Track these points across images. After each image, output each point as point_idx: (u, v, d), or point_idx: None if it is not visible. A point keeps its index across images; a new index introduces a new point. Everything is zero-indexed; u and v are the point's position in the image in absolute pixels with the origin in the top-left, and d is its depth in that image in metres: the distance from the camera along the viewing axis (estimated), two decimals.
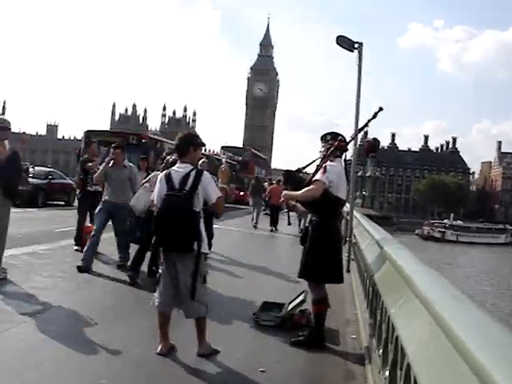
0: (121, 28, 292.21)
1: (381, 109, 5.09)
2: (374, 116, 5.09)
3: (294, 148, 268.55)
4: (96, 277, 7.67)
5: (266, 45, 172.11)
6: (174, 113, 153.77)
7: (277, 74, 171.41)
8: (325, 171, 4.92)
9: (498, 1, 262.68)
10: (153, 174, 9.83)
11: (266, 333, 5.60)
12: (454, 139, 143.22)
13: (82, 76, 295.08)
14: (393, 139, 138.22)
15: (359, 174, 17.83)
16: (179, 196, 4.47)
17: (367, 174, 17.47)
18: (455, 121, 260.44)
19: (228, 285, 8.08)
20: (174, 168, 4.72)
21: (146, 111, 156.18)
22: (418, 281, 2.80)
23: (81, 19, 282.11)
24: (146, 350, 4.68)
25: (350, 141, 5.25)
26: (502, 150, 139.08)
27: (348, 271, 10.16)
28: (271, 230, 18.31)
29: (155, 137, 22.96)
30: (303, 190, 4.96)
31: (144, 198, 7.18)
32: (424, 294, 2.53)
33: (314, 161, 5.32)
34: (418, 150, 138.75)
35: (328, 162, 5.01)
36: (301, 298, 6.04)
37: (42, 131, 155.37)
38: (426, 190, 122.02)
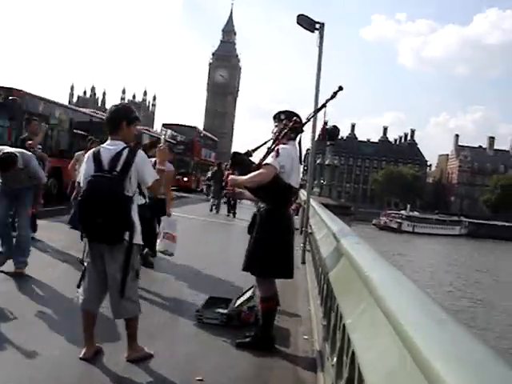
0: (81, 8, 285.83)
1: (340, 88, 4.58)
2: (333, 96, 4.59)
3: (255, 135, 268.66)
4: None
5: (229, 31, 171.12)
6: (134, 96, 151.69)
7: (239, 61, 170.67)
8: (277, 155, 4.39)
9: None
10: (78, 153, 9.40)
11: (210, 332, 5.05)
12: (413, 131, 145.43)
13: (39, 56, 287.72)
14: (352, 129, 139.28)
15: (318, 161, 17.40)
16: (108, 177, 3.86)
17: (326, 162, 17.02)
18: (414, 113, 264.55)
19: (173, 278, 7.51)
20: (103, 145, 4.10)
21: (104, 94, 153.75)
22: (379, 284, 2.30)
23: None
24: (66, 353, 4.08)
25: (307, 121, 4.70)
26: (459, 144, 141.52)
27: (303, 263, 9.73)
28: (228, 215, 18.19)
29: (38, 95, 16.57)
30: (251, 174, 4.42)
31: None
32: (387, 303, 2.02)
33: (265, 142, 4.77)
34: (377, 141, 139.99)
35: (280, 145, 4.48)
36: (249, 293, 5.52)
37: None
38: (383, 180, 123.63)
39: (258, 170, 4.43)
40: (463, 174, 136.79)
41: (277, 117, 4.74)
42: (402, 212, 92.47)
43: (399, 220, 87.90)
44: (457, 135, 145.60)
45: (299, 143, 4.74)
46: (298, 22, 10.03)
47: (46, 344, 4.22)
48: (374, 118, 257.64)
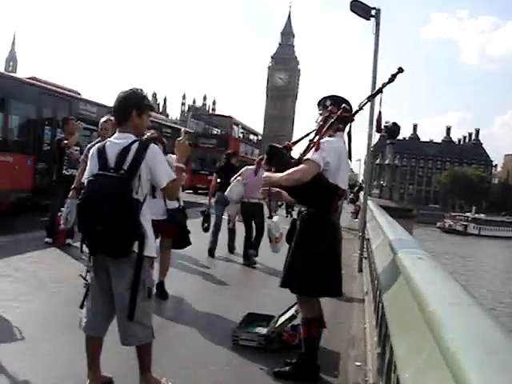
0: (143, 16, 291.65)
1: (400, 70, 3.77)
2: (392, 79, 3.77)
3: None
4: (59, 278, 6.44)
5: (287, 33, 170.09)
6: (194, 101, 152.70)
7: (298, 63, 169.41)
8: (321, 149, 3.64)
9: None
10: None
11: (246, 357, 4.33)
12: (477, 131, 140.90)
13: (100, 64, 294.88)
14: (414, 130, 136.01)
15: (377, 161, 16.41)
16: (113, 177, 3.21)
17: (386, 162, 16.03)
18: (478, 112, 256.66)
19: (205, 292, 6.81)
20: (110, 139, 3.44)
21: (165, 100, 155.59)
22: (449, 331, 1.52)
23: (102, 6, 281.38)
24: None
25: (359, 110, 3.87)
26: None
27: (360, 271, 8.90)
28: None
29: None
30: (288, 170, 3.68)
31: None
32: (461, 363, 1.26)
33: (307, 134, 4.03)
34: (440, 141, 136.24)
35: (326, 138, 3.72)
36: (292, 310, 4.77)
37: None
38: (447, 182, 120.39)
39: (297, 166, 3.70)
40: None
41: (321, 103, 3.98)
42: (468, 214, 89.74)
43: (465, 222, 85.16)
44: None
45: (349, 135, 3.96)
46: (351, 9, 9.21)
47: (44, 372, 3.61)
48: (436, 118, 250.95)
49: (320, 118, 3.96)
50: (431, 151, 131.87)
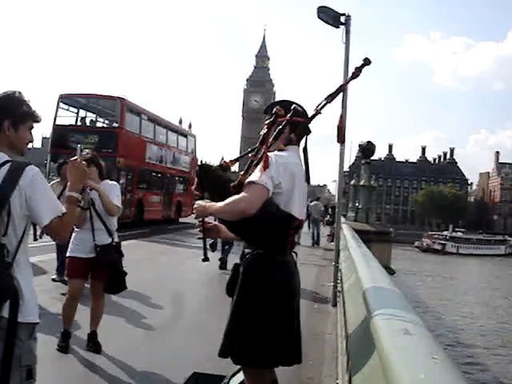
0: (118, 39, 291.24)
1: (366, 61, 2.90)
2: (357, 73, 2.91)
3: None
4: None
5: (262, 56, 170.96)
6: None
7: (273, 86, 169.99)
8: (266, 166, 2.70)
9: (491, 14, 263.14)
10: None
11: None
12: (452, 150, 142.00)
13: (75, 87, 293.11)
14: (390, 150, 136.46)
15: (352, 182, 15.54)
16: None
17: (361, 183, 15.20)
18: (453, 132, 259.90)
19: (140, 342, 5.79)
20: None
21: None
22: None
23: (78, 24, 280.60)
24: None
25: (316, 114, 2.93)
26: (500, 161, 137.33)
27: (334, 305, 7.94)
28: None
29: None
30: (229, 199, 2.74)
31: None
32: None
33: (252, 149, 3.11)
34: (415, 161, 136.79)
35: (274, 152, 2.80)
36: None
37: (37, 144, 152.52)
38: (423, 201, 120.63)
39: (238, 191, 2.75)
40: (505, 191, 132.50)
41: (269, 110, 3.05)
42: (445, 233, 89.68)
43: (443, 241, 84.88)
44: (497, 152, 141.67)
45: (304, 151, 3.03)
46: (319, 17, 8.38)
47: None
48: (411, 138, 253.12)
49: (265, 128, 3.04)
50: (407, 171, 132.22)
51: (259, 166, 2.74)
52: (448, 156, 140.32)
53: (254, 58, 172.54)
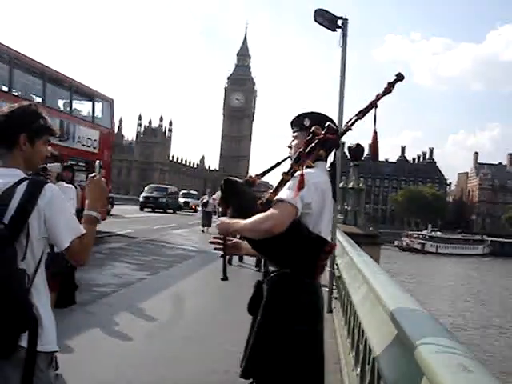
0: (98, 34, 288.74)
1: (400, 77, 2.78)
2: (389, 89, 2.77)
3: (274, 158, 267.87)
4: None
5: (244, 55, 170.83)
6: (150, 122, 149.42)
7: (254, 84, 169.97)
8: (302, 186, 2.59)
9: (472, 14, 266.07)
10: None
11: None
12: (431, 150, 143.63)
13: None
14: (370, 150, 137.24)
15: (341, 185, 15.52)
16: None
17: (350, 186, 15.19)
18: (432, 132, 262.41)
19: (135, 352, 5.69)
20: None
21: (121, 121, 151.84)
22: None
23: (56, 22, 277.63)
24: None
25: (346, 130, 2.81)
26: (479, 161, 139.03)
27: (329, 311, 7.85)
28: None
29: None
30: (255, 217, 2.63)
31: None
32: None
33: (278, 163, 2.99)
34: (395, 160, 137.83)
35: (304, 170, 2.66)
36: None
37: None
38: (403, 200, 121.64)
39: (265, 209, 2.62)
40: (484, 191, 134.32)
41: (297, 122, 2.93)
42: (424, 232, 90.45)
43: (422, 241, 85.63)
44: (476, 153, 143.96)
45: (333, 166, 2.93)
46: (315, 20, 8.28)
47: None
48: (391, 138, 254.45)
49: (295, 141, 2.92)
50: (387, 170, 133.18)
51: (288, 184, 2.63)
52: (427, 156, 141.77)
53: (235, 56, 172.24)
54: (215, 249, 3.00)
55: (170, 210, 41.71)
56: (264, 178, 3.05)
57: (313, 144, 2.66)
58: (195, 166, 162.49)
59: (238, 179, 2.96)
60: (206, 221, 23.79)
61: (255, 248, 2.83)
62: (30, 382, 2.16)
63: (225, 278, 3.05)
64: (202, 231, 23.12)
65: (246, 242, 2.94)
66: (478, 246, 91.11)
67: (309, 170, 2.67)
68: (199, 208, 29.83)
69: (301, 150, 2.69)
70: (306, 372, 2.71)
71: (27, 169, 2.35)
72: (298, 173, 2.61)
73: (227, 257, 3.10)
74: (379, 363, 2.74)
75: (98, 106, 19.41)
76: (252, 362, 2.73)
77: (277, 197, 2.61)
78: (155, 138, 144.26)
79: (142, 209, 39.83)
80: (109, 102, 20.00)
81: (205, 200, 24.80)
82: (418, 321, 2.62)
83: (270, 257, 2.83)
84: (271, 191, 2.66)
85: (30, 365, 2.16)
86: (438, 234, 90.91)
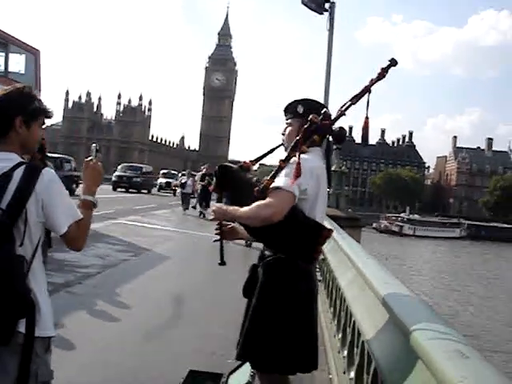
0: (75, 11, 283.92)
1: (393, 62, 2.78)
2: (383, 74, 2.78)
3: (255, 140, 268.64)
4: None
5: (225, 34, 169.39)
6: (130, 101, 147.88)
7: (235, 64, 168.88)
8: (299, 174, 2.59)
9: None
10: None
11: None
12: (411, 133, 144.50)
13: None
14: (350, 132, 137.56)
15: None
16: None
17: (332, 169, 15.25)
18: (412, 115, 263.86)
19: (136, 334, 5.69)
20: None
21: (100, 99, 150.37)
22: None
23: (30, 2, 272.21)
24: None
25: (340, 115, 2.83)
26: (457, 145, 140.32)
27: None
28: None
29: None
30: (252, 205, 2.64)
31: None
32: None
33: (272, 149, 3.03)
34: (374, 143, 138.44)
35: (301, 155, 2.67)
36: (247, 376, 3.71)
37: None
38: (381, 183, 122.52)
39: (262, 196, 2.64)
40: (462, 175, 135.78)
41: (291, 109, 2.96)
42: (402, 215, 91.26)
43: (400, 223, 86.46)
44: (455, 137, 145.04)
45: (327, 152, 2.97)
46: (303, 3, 8.24)
47: None
48: (371, 120, 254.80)
49: (289, 128, 2.93)
50: (366, 153, 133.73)
51: (285, 171, 2.64)
52: (407, 139, 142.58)
53: (216, 35, 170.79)
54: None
55: (145, 191, 39.77)
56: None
57: (308, 129, 2.69)
58: (175, 146, 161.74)
59: (232, 165, 2.98)
60: (185, 203, 23.26)
61: (252, 234, 2.87)
62: (27, 367, 2.17)
63: (222, 263, 3.08)
64: (183, 214, 22.67)
65: (241, 227, 2.97)
66: (455, 229, 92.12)
67: (304, 155, 2.69)
68: (178, 189, 29.21)
69: (298, 137, 2.71)
70: (300, 355, 2.76)
71: (23, 152, 2.33)
72: (294, 159, 2.64)
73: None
74: (371, 346, 2.79)
75: (17, 58, 15.18)
76: (247, 344, 2.78)
77: (274, 184, 2.63)
78: (135, 117, 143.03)
79: (114, 189, 37.24)
80: (33, 55, 15.36)
81: (183, 181, 24.06)
82: (411, 306, 2.67)
83: (266, 242, 2.86)
84: (267, 178, 2.68)
85: (27, 350, 2.17)
86: (416, 216, 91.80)
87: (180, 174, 31.48)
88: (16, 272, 2.10)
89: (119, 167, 42.36)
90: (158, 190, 43.66)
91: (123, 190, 37.88)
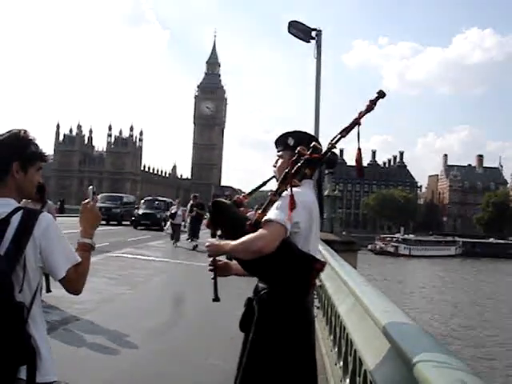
0: (65, 46, 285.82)
1: (381, 94, 2.82)
2: (371, 106, 2.81)
3: (246, 166, 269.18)
4: None
5: (213, 63, 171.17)
6: (121, 132, 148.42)
7: (224, 92, 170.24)
8: (293, 206, 2.59)
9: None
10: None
11: None
12: (401, 153, 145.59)
13: (23, 94, 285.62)
14: (341, 155, 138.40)
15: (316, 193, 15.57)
16: None
17: (325, 194, 15.30)
18: (401, 136, 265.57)
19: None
20: None
21: (91, 131, 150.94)
22: None
23: (22, 35, 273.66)
24: None
25: (331, 148, 2.86)
26: (448, 163, 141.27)
27: None
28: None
29: None
30: (245, 238, 2.65)
31: None
32: None
33: (265, 182, 3.05)
34: (366, 165, 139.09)
35: (294, 188, 2.69)
36: None
37: None
38: (375, 204, 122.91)
39: (254, 230, 2.65)
40: (454, 193, 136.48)
41: (281, 141, 2.99)
42: (397, 235, 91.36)
43: (395, 244, 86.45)
44: (445, 155, 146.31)
45: (319, 184, 2.99)
46: (289, 31, 8.36)
47: None
48: (361, 142, 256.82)
49: (280, 161, 2.96)
50: None
51: (276, 204, 2.66)
52: (398, 159, 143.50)
53: (204, 64, 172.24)
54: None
55: (127, 222, 35.19)
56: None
57: (299, 164, 2.72)
58: (167, 175, 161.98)
59: (225, 200, 3.00)
60: (175, 235, 21.90)
61: (245, 268, 2.87)
62: None
63: (216, 299, 3.07)
64: (175, 247, 21.26)
65: (235, 262, 2.98)
66: (451, 247, 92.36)
67: (296, 189, 2.71)
68: (167, 223, 26.93)
69: (287, 170, 2.73)
70: None
71: (20, 197, 2.33)
72: (286, 193, 2.66)
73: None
74: (373, 376, 2.78)
75: None
76: (246, 379, 2.77)
77: (266, 217, 2.65)
78: (126, 148, 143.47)
79: None
80: None
81: (173, 211, 22.99)
82: (412, 335, 2.66)
83: (260, 276, 2.86)
84: (260, 211, 2.70)
85: None
86: (411, 236, 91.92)
87: (171, 205, 28.81)
88: (16, 320, 2.09)
89: (99, 197, 38.79)
90: (135, 227, 32.90)
91: (103, 222, 30.52)
